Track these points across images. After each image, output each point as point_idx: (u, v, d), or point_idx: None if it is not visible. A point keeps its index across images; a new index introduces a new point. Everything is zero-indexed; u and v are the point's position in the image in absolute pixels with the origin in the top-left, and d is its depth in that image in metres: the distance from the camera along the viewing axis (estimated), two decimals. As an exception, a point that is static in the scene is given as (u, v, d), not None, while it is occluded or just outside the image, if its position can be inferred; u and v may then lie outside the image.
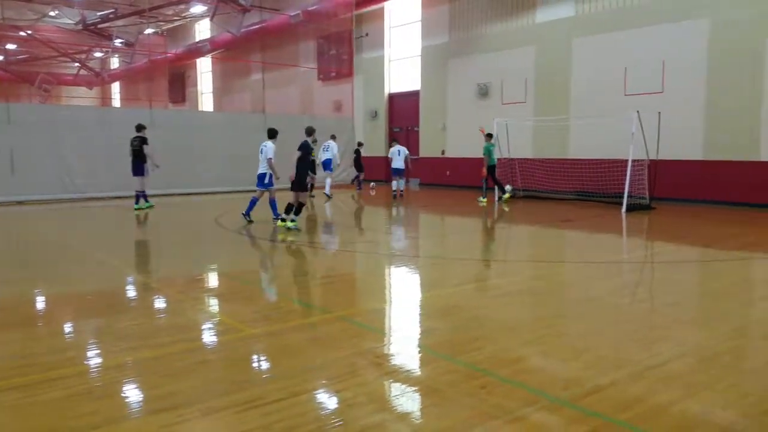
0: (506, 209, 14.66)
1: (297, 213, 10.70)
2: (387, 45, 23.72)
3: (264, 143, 11.15)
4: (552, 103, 17.61)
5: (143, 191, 14.09)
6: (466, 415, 3.32)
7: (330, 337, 4.84)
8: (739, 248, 9.25)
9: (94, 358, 4.44)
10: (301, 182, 10.60)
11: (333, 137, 18.56)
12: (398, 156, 17.29)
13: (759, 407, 3.46)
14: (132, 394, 3.80)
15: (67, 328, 5.33)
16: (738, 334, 4.85)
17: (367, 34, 24.16)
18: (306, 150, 10.52)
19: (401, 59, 23.36)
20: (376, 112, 24.25)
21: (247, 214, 11.61)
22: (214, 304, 6.17)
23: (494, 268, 8.04)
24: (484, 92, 19.57)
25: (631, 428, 3.16)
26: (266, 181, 11.20)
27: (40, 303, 6.26)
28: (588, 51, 16.74)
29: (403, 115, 23.49)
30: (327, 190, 17.53)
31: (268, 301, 6.15)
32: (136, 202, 14.07)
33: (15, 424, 3.33)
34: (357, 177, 20.53)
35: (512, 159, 17.28)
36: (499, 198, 15.97)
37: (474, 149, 15.58)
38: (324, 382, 3.90)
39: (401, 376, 4.03)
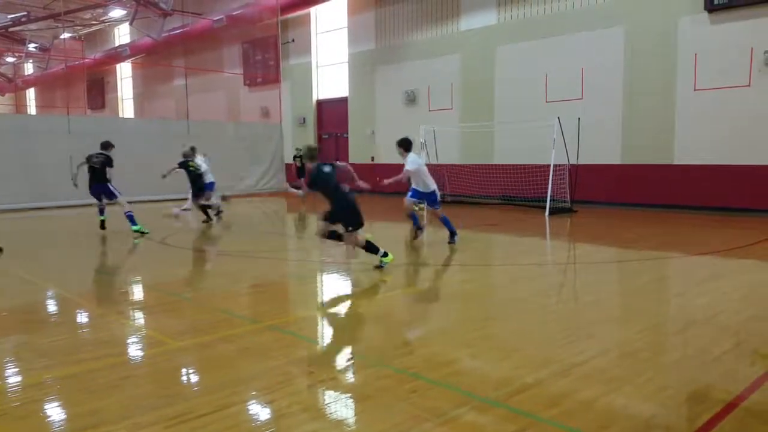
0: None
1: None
2: (314, 51, 23.66)
3: None
4: (477, 110, 18.05)
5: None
6: (399, 420, 3.34)
7: (261, 347, 4.76)
8: (655, 248, 9.75)
9: (12, 377, 4.21)
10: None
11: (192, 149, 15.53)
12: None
13: (676, 399, 3.65)
14: (54, 413, 3.63)
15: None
16: (655, 331, 5.11)
17: (293, 40, 24.03)
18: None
19: (329, 65, 23.36)
20: (304, 118, 24.14)
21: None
22: (139, 317, 5.94)
23: (423, 273, 8.15)
24: (411, 99, 19.84)
25: (557, 425, 3.26)
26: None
27: (-53, 322, 5.86)
28: (510, 58, 17.28)
29: (331, 121, 23.48)
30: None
31: (195, 312, 5.99)
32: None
33: None
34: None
35: (440, 165, 17.58)
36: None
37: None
38: (255, 393, 3.83)
39: (334, 383, 4.01)
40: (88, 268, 8.80)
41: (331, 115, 23.46)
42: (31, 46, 31.19)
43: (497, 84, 17.68)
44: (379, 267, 7.65)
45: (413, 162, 9.59)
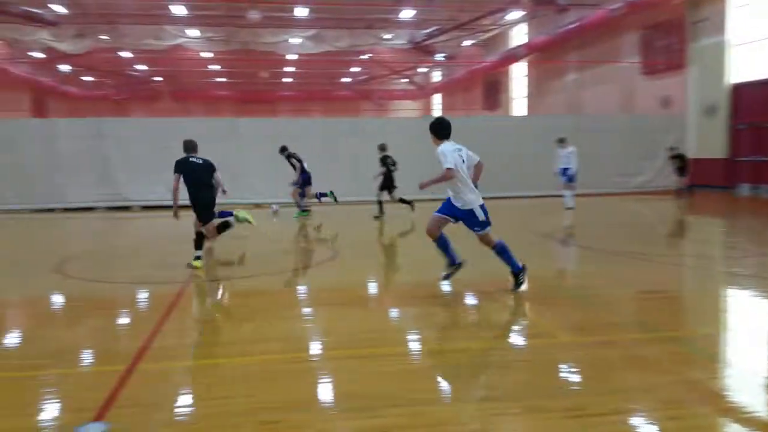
0: None
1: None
2: (730, 28, 20.51)
3: None
4: None
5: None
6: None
7: (651, 358, 4.38)
8: None
9: (413, 343, 4.97)
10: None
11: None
12: None
13: None
14: (453, 380, 4.10)
15: (393, 313, 6.11)
16: None
17: (705, 19, 21.32)
18: None
19: (749, 43, 19.89)
20: (714, 107, 21.16)
21: None
22: (525, 307, 6.16)
23: None
24: None
25: None
26: None
27: (371, 288, 6.98)
28: None
29: (753, 108, 19.85)
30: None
31: (585, 310, 5.79)
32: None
33: (357, 384, 3.93)
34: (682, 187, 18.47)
35: None
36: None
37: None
38: (648, 405, 3.55)
39: (743, 416, 3.37)
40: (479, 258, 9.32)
41: (753, 102, 19.97)
42: (439, 56, 35.03)
43: None
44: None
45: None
